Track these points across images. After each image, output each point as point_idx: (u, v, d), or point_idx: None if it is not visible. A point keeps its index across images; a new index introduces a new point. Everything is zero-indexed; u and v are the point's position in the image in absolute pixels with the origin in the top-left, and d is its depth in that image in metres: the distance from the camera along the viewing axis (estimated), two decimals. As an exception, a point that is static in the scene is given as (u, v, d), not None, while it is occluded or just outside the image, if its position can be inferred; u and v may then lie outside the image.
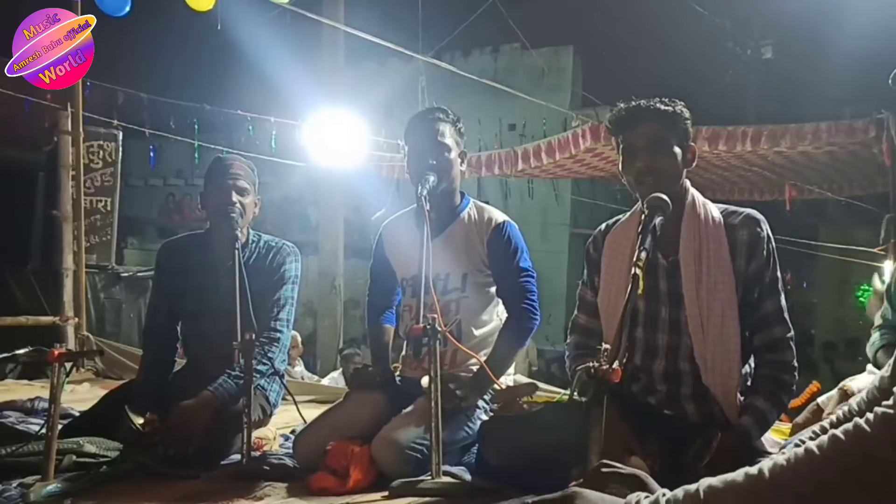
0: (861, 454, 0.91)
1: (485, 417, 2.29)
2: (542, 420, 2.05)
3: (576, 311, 2.20)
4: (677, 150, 1.96)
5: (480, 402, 2.34)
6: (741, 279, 1.93)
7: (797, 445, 1.21)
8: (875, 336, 2.56)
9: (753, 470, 0.97)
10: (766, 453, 1.90)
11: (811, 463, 0.93)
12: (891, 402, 0.92)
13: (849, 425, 0.94)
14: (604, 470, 1.10)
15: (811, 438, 1.21)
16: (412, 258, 2.28)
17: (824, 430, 1.21)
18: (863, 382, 2.58)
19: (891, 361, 1.15)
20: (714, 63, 14.46)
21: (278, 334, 2.52)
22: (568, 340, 2.21)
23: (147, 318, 2.84)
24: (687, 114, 1.99)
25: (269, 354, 2.46)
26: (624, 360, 1.97)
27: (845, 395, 2.54)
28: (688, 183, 2.03)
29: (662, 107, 1.96)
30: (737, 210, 2.00)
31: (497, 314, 2.49)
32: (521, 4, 10.44)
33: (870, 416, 0.93)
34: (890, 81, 1.12)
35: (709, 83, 13.45)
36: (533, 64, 12.58)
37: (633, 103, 2.00)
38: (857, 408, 1.19)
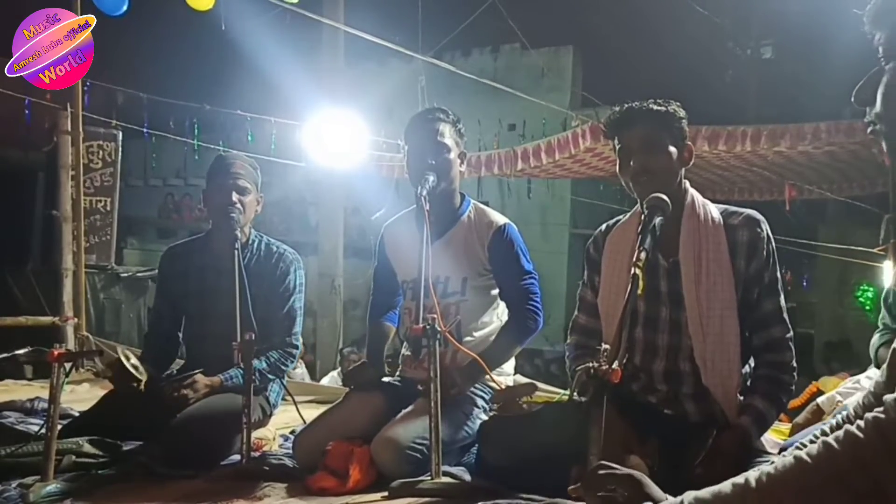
0: (853, 459, 0.91)
1: (484, 417, 2.29)
2: (541, 420, 2.05)
3: (576, 312, 2.21)
4: (672, 149, 1.96)
5: (480, 402, 2.34)
6: (741, 279, 1.93)
7: (798, 449, 1.21)
8: (875, 338, 2.58)
9: (740, 479, 0.98)
10: (765, 453, 1.90)
11: (801, 471, 0.94)
12: (882, 408, 0.93)
13: (839, 433, 0.95)
14: (601, 472, 1.10)
15: (811, 442, 1.21)
16: (412, 260, 2.28)
17: (825, 434, 1.21)
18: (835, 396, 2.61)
19: (884, 367, 1.14)
20: (714, 63, 14.47)
21: (295, 350, 2.60)
22: (568, 341, 2.21)
23: (150, 323, 2.86)
24: (682, 113, 2.00)
25: (284, 367, 2.56)
26: (624, 361, 1.97)
27: (819, 412, 2.57)
28: (687, 183, 2.03)
29: (655, 107, 1.97)
30: (737, 210, 2.00)
31: (497, 316, 2.49)
32: (521, 4, 10.42)
33: (860, 422, 0.94)
34: (852, 99, 1.12)
35: (709, 83, 13.45)
36: (533, 64, 12.57)
37: (627, 106, 2.01)
38: (853, 413, 1.19)
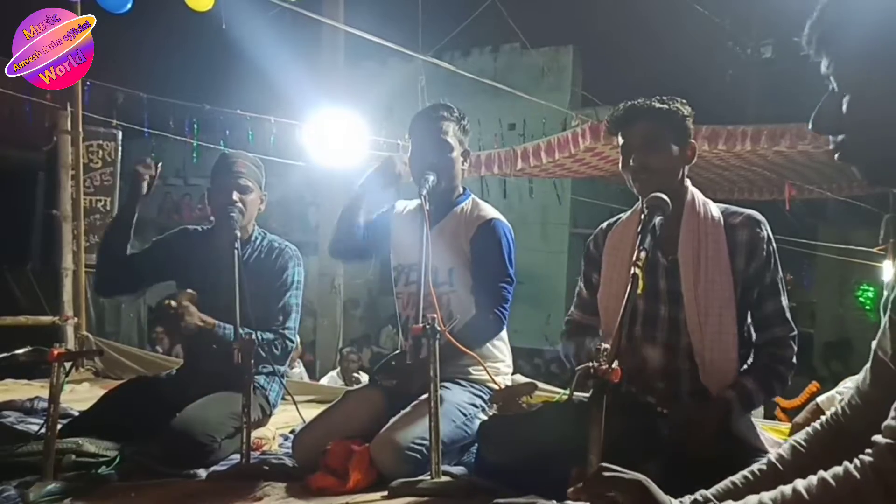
0: (851, 500, 0.93)
1: (483, 417, 2.29)
2: (541, 420, 2.05)
3: (572, 308, 2.21)
4: (674, 147, 1.97)
5: (479, 402, 2.34)
6: (740, 279, 1.93)
7: (793, 446, 1.21)
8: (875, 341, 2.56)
9: None
10: (764, 452, 1.90)
11: None
12: (873, 451, 0.94)
13: (838, 470, 0.96)
14: (605, 474, 1.07)
15: (805, 440, 1.21)
16: (406, 246, 2.31)
17: (816, 432, 1.21)
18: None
19: (866, 366, 1.14)
20: (714, 63, 14.46)
21: (289, 341, 2.56)
22: (562, 336, 2.20)
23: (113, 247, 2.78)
24: (686, 111, 2.00)
25: (277, 350, 2.52)
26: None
27: (819, 412, 2.56)
28: (688, 182, 2.03)
29: (658, 105, 1.98)
30: (737, 210, 2.01)
31: None
32: (521, 4, 10.42)
33: (857, 462, 0.94)
34: (810, 127, 1.10)
35: (709, 83, 13.45)
36: (533, 63, 12.57)
37: (630, 103, 2.02)
38: (841, 412, 1.19)
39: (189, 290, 2.44)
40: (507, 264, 2.37)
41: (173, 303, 2.36)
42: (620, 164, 2.04)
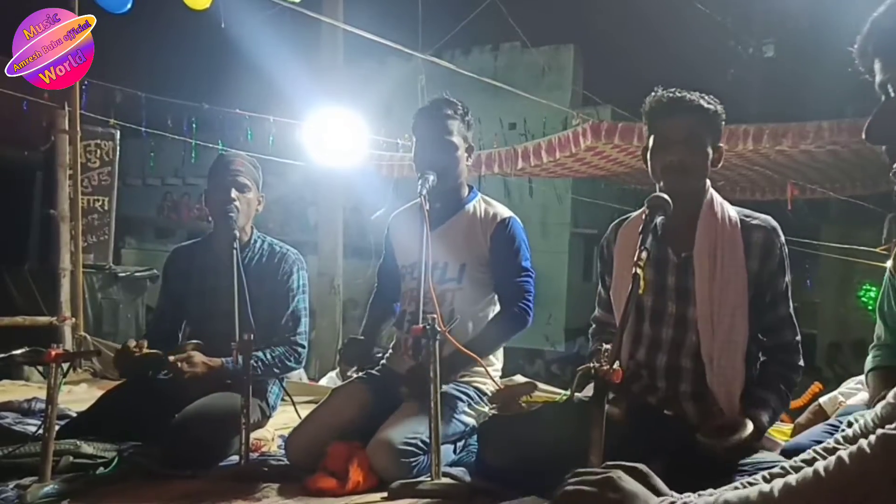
0: (859, 475, 0.92)
1: (467, 410, 2.28)
2: (541, 420, 2.04)
3: (595, 307, 2.25)
4: (709, 149, 1.96)
5: (464, 397, 2.32)
6: (752, 280, 1.93)
7: (805, 461, 1.19)
8: (869, 357, 2.48)
9: (766, 488, 0.99)
10: (764, 451, 1.89)
11: (818, 485, 0.94)
12: (894, 424, 0.93)
13: (853, 448, 0.95)
14: (608, 462, 1.09)
15: (825, 451, 1.20)
16: (412, 247, 2.31)
17: (838, 443, 1.21)
18: (838, 400, 2.57)
19: (893, 392, 1.12)
20: (716, 62, 14.47)
21: (301, 349, 2.58)
22: (589, 332, 2.26)
23: (151, 322, 2.86)
24: (724, 115, 1.98)
25: (290, 363, 2.55)
26: (628, 359, 1.98)
27: (821, 413, 2.54)
28: (708, 182, 2.02)
29: (705, 104, 1.94)
30: (754, 214, 2.02)
31: (494, 311, 2.47)
32: (522, 2, 10.40)
33: (872, 437, 0.94)
34: (864, 136, 1.04)
35: (710, 82, 13.40)
36: (533, 62, 12.57)
37: (676, 94, 1.96)
38: (859, 430, 1.18)
39: (192, 341, 2.43)
40: (526, 260, 2.43)
41: (172, 358, 2.36)
42: (650, 154, 1.98)
